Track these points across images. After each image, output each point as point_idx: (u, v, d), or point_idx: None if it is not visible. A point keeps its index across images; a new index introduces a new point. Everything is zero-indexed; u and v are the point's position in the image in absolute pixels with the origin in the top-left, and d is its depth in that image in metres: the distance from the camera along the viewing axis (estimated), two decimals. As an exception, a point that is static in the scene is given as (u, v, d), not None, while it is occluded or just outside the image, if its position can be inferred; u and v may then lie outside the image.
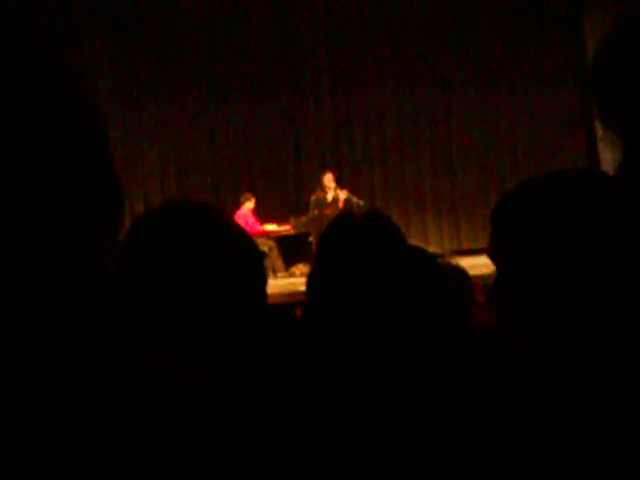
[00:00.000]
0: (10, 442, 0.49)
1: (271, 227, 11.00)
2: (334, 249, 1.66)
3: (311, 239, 10.46)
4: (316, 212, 10.42)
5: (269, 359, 1.39)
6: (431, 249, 1.82)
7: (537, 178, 1.24)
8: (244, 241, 1.29)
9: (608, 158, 11.32)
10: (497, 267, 1.22)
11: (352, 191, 10.91)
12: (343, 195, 10.40)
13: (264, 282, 1.32)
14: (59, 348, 0.52)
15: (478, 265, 8.28)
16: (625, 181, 1.27)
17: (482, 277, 7.00)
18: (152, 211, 1.29)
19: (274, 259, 10.58)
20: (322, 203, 10.44)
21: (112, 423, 0.53)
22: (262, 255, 1.36)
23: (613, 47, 1.26)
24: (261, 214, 11.10)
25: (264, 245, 10.22)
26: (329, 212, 10.10)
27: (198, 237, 1.24)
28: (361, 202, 10.52)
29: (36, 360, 0.51)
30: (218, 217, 1.32)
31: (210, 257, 1.22)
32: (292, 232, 10.99)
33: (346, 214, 1.90)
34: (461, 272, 1.88)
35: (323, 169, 11.18)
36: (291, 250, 11.09)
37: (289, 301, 5.77)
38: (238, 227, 1.34)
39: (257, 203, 11.06)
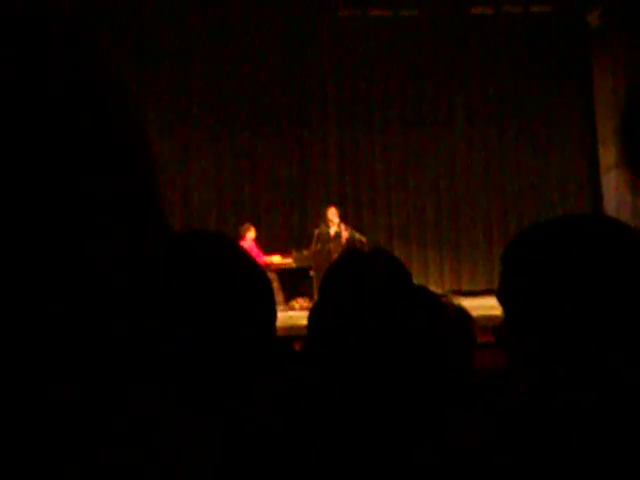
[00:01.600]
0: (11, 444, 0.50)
1: (274, 259, 10.98)
2: (338, 284, 1.67)
3: (312, 273, 10.46)
4: (318, 247, 10.43)
5: (269, 391, 1.39)
6: (431, 288, 1.82)
7: (546, 222, 1.25)
8: (257, 271, 1.30)
9: (612, 204, 11.36)
10: (505, 309, 1.23)
11: (354, 227, 10.94)
12: (346, 232, 10.42)
13: (274, 315, 1.33)
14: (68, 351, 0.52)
15: (477, 307, 8.28)
16: None
17: (482, 318, 7.00)
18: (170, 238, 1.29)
19: (275, 292, 10.53)
20: (325, 238, 10.45)
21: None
22: (272, 287, 1.36)
23: None
24: (263, 245, 11.10)
25: (266, 275, 10.19)
26: (331, 247, 10.13)
27: (211, 266, 1.24)
28: (363, 238, 10.56)
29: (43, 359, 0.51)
30: (231, 246, 1.32)
31: (223, 287, 1.22)
32: (294, 265, 10.98)
33: (352, 250, 1.90)
34: (464, 313, 1.88)
35: (327, 203, 11.22)
36: (291, 283, 11.07)
37: (288, 334, 5.75)
38: (251, 258, 1.34)
39: (261, 234, 11.06)
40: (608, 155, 11.38)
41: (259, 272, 1.30)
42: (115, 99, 0.60)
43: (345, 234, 10.42)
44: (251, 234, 10.86)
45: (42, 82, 0.53)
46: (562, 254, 1.15)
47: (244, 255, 1.31)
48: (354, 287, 1.60)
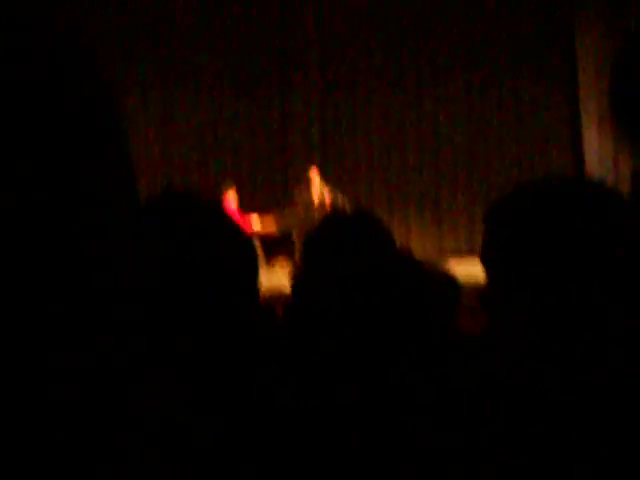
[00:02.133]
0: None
1: (254, 221, 10.88)
2: (322, 250, 1.65)
3: (294, 236, 10.44)
4: (299, 207, 10.38)
5: (255, 358, 1.38)
6: (413, 250, 1.81)
7: (529, 184, 1.25)
8: (241, 236, 1.28)
9: (594, 159, 11.42)
10: (488, 271, 1.22)
11: (336, 187, 10.90)
12: (325, 194, 10.35)
13: (256, 278, 1.31)
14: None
15: (459, 268, 8.32)
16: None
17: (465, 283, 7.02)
18: (150, 200, 1.26)
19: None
20: (305, 199, 10.41)
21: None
22: (255, 251, 1.34)
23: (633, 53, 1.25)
24: (246, 206, 11.05)
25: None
26: (312, 208, 10.09)
27: (191, 230, 1.22)
28: (345, 199, 10.50)
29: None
30: (215, 210, 1.30)
31: (204, 251, 1.20)
32: (276, 233, 10.92)
33: (336, 213, 1.89)
34: (449, 277, 1.87)
35: (309, 163, 11.15)
36: (272, 244, 11.04)
37: (270, 296, 5.75)
38: (233, 221, 1.32)
39: (243, 197, 10.99)
40: (590, 111, 11.40)
41: (243, 237, 1.28)
42: (99, 92, 0.59)
43: (325, 194, 10.37)
44: (231, 192, 10.72)
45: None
46: (544, 217, 1.16)
47: (227, 220, 1.29)
48: (337, 253, 1.59)
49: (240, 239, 1.26)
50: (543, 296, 1.14)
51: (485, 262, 1.25)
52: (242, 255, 1.24)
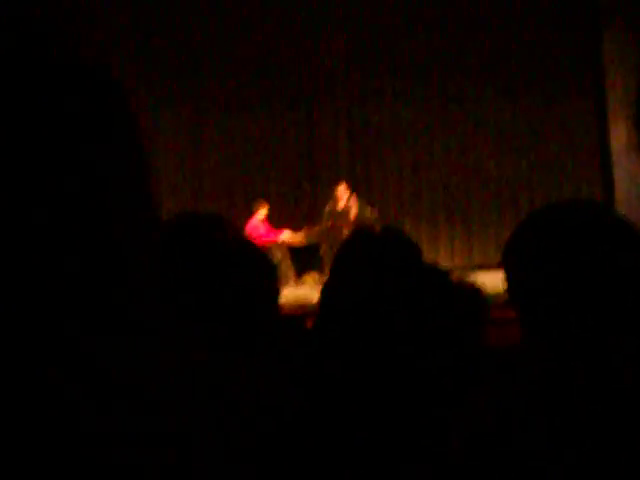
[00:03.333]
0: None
1: (284, 236, 10.96)
2: (350, 264, 1.67)
3: (322, 250, 10.46)
4: (329, 224, 10.42)
5: (278, 369, 1.40)
6: (442, 264, 1.83)
7: (555, 207, 1.28)
8: (257, 253, 1.30)
9: (623, 177, 11.28)
10: (516, 307, 1.26)
11: (365, 202, 10.91)
12: (355, 208, 10.39)
13: (277, 295, 1.33)
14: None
15: (488, 281, 8.28)
16: None
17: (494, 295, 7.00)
18: (164, 223, 1.29)
19: (286, 268, 10.57)
20: (335, 214, 10.44)
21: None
22: (274, 267, 1.37)
23: None
24: (275, 223, 11.10)
25: (277, 251, 10.24)
26: (342, 224, 10.12)
27: (210, 249, 1.24)
28: (374, 213, 10.52)
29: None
30: (229, 229, 1.33)
31: (222, 269, 1.22)
32: (304, 242, 10.98)
33: (363, 229, 1.91)
34: (476, 290, 1.88)
35: (337, 180, 11.20)
36: (302, 260, 11.07)
37: (300, 311, 5.76)
38: (249, 240, 1.34)
39: (272, 211, 11.06)
40: (620, 137, 11.25)
41: (258, 254, 1.30)
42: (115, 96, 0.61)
43: (354, 210, 10.40)
44: (263, 211, 10.86)
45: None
46: (568, 241, 1.19)
47: (242, 237, 1.31)
48: (365, 267, 1.61)
49: (255, 254, 1.28)
50: (569, 314, 1.16)
51: (512, 298, 1.28)
52: (256, 269, 1.26)
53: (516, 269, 1.27)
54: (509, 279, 1.28)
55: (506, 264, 1.28)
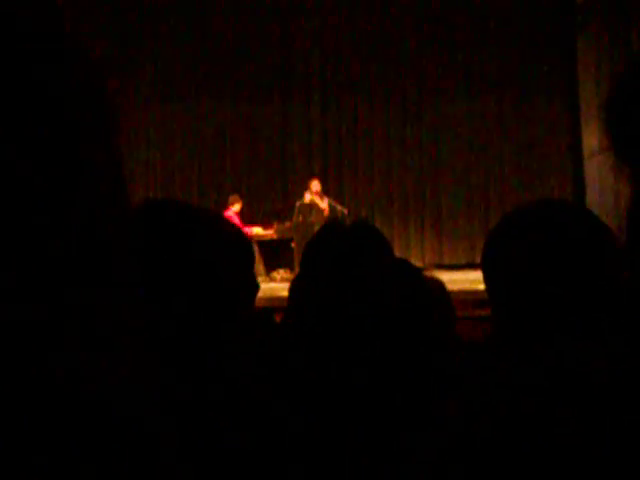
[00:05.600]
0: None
1: (256, 230, 10.97)
2: (321, 256, 1.67)
3: (293, 245, 10.47)
4: (300, 218, 10.44)
5: (249, 361, 1.40)
6: (412, 262, 1.83)
7: (526, 210, 1.32)
8: (235, 237, 1.29)
9: (594, 175, 11.39)
10: (490, 286, 1.28)
11: (336, 199, 10.95)
12: (325, 204, 10.46)
13: (255, 287, 1.32)
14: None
15: (459, 280, 8.33)
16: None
17: (462, 292, 7.05)
18: (135, 209, 1.27)
19: (256, 263, 10.53)
20: (306, 209, 10.46)
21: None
22: (253, 252, 1.35)
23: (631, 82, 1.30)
24: (246, 217, 11.08)
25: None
26: (312, 219, 10.14)
27: (184, 234, 1.23)
28: (345, 210, 10.59)
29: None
30: (204, 214, 1.31)
31: (199, 254, 1.21)
32: (275, 237, 10.98)
33: (334, 222, 1.90)
34: (442, 286, 1.89)
35: (310, 175, 11.21)
36: (272, 255, 11.08)
37: (269, 305, 5.76)
38: (228, 222, 1.33)
39: (243, 206, 11.05)
40: (591, 139, 11.36)
41: (241, 238, 1.29)
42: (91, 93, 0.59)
43: (325, 205, 10.44)
44: (237, 206, 10.85)
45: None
46: (541, 237, 1.21)
47: (222, 220, 1.30)
48: (335, 260, 1.60)
49: (236, 237, 1.27)
50: (541, 305, 1.18)
51: (491, 295, 1.30)
52: (237, 252, 1.25)
53: (494, 268, 1.29)
54: (487, 279, 1.30)
55: (485, 264, 1.30)
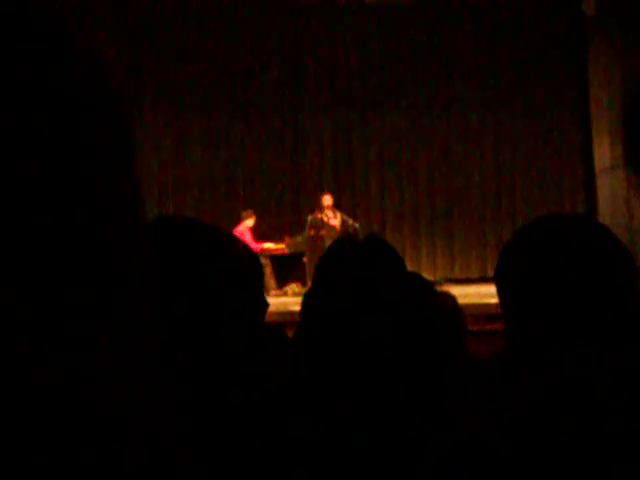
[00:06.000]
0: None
1: (267, 245, 10.98)
2: (332, 271, 1.67)
3: (305, 259, 10.47)
4: (311, 232, 10.44)
5: (261, 376, 1.40)
6: (424, 276, 1.83)
7: (540, 222, 1.32)
8: (244, 255, 1.29)
9: (607, 193, 11.34)
10: (503, 300, 1.28)
11: (348, 214, 10.95)
12: (337, 219, 10.46)
13: (264, 306, 1.32)
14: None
15: (470, 294, 8.31)
16: None
17: (474, 306, 7.02)
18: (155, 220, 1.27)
19: (267, 277, 10.55)
20: (318, 224, 10.46)
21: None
22: (262, 271, 1.35)
23: None
24: (257, 232, 11.09)
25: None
26: (324, 233, 10.14)
27: (199, 252, 1.23)
28: (356, 225, 10.59)
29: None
30: (213, 232, 1.31)
31: (210, 272, 1.22)
32: (286, 252, 10.99)
33: (346, 237, 1.91)
34: (454, 300, 1.89)
35: (322, 190, 11.22)
36: (284, 269, 11.08)
37: (281, 320, 5.75)
38: (237, 241, 1.33)
39: (255, 221, 11.05)
40: (604, 152, 11.31)
41: (250, 257, 1.29)
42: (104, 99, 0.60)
43: (337, 220, 10.44)
44: (250, 221, 10.87)
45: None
46: (551, 256, 1.22)
47: (231, 239, 1.30)
48: (347, 274, 1.61)
49: (244, 255, 1.27)
50: (555, 320, 1.18)
51: (500, 291, 1.30)
52: (245, 271, 1.25)
53: (508, 283, 1.29)
54: (500, 293, 1.30)
55: (498, 278, 1.30)
